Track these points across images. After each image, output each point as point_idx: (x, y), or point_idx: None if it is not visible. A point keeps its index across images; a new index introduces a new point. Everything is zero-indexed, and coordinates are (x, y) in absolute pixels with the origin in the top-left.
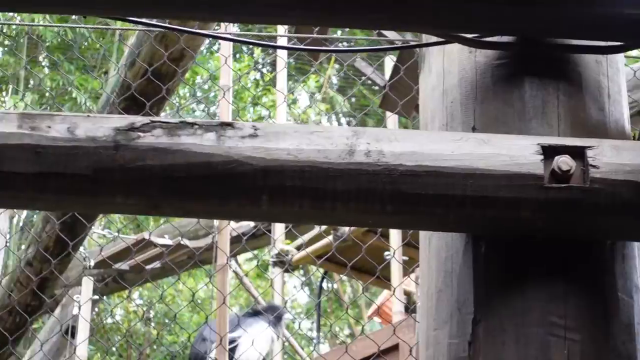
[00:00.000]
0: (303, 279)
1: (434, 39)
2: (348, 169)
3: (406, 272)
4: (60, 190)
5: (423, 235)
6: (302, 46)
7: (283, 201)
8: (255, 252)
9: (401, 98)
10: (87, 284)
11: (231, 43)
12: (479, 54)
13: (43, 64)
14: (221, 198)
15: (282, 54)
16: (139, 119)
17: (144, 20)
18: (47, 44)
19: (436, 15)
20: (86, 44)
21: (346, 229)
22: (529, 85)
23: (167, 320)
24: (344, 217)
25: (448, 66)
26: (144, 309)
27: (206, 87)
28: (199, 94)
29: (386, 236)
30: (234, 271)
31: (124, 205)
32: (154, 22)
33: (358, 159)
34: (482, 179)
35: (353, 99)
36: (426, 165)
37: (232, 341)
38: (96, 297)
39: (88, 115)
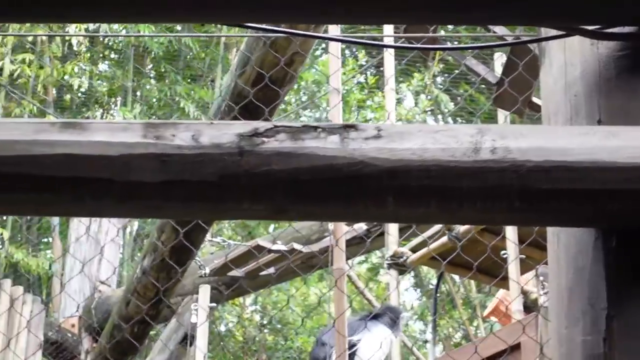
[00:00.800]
0: (412, 280)
1: (554, 32)
2: (474, 167)
3: (523, 270)
4: (187, 197)
5: (551, 232)
6: (413, 45)
7: (409, 202)
8: (365, 255)
9: (516, 95)
10: (204, 291)
11: (339, 46)
12: (601, 45)
13: (150, 75)
14: (346, 200)
15: (389, 56)
16: (262, 124)
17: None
18: (152, 55)
19: (556, 8)
20: (191, 54)
21: (461, 228)
22: None
23: (278, 327)
24: (470, 216)
25: (570, 59)
26: (259, 315)
27: (307, 92)
28: (304, 99)
29: (501, 234)
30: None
31: (250, 211)
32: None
33: (484, 156)
34: (611, 172)
35: (458, 98)
36: (554, 160)
37: (351, 345)
38: (213, 304)
39: (211, 122)
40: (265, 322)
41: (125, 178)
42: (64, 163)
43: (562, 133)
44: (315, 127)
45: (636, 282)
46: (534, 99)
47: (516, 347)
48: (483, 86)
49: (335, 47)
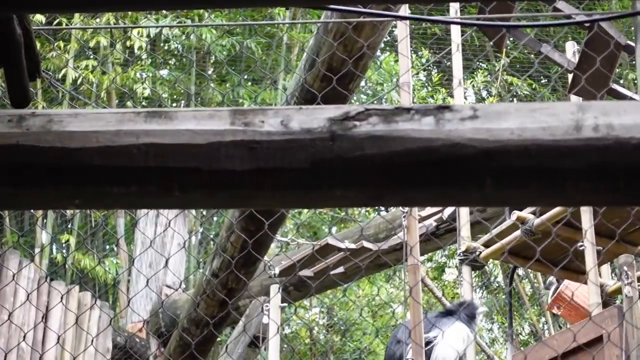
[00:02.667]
0: (476, 278)
1: None
2: (576, 145)
3: (599, 263)
4: (278, 185)
5: None
6: (481, 22)
7: (508, 183)
8: (428, 255)
9: (592, 81)
10: (275, 290)
11: (407, 38)
12: None
13: (213, 77)
14: (443, 184)
15: (457, 49)
16: (352, 108)
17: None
18: (214, 59)
19: None
20: (252, 56)
21: (535, 221)
22: None
23: (342, 327)
24: (573, 197)
25: None
26: (325, 317)
27: (370, 91)
28: (364, 99)
29: (576, 227)
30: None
31: (343, 198)
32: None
33: (586, 134)
34: None
35: (523, 92)
36: None
37: (427, 342)
38: (284, 304)
39: (300, 108)
40: (331, 323)
41: (214, 167)
42: (150, 153)
43: None
44: (408, 109)
45: None
46: (614, 86)
47: (598, 341)
48: (544, 81)
49: (405, 44)
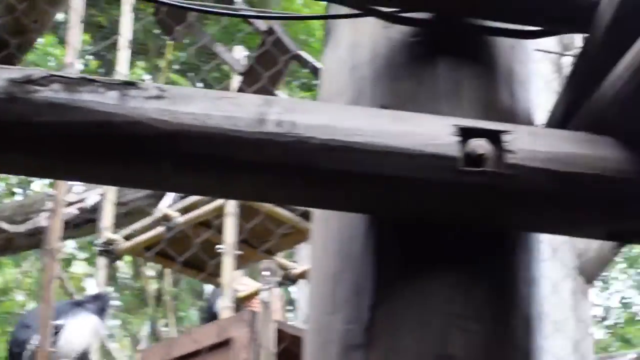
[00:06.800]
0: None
1: (345, 10)
2: (258, 138)
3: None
4: None
5: (319, 216)
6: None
7: (187, 170)
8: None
9: (261, 86)
10: None
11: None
12: (394, 29)
13: None
14: (121, 162)
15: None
16: (36, 72)
17: None
18: None
19: None
20: None
21: (180, 219)
22: (443, 65)
23: None
24: (249, 190)
25: (359, 40)
26: None
27: None
28: None
29: (218, 230)
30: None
31: (16, 163)
32: None
33: (269, 128)
34: (396, 158)
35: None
36: (340, 140)
37: (56, 329)
38: None
39: None
40: None
41: None
42: None
43: (350, 113)
44: (94, 80)
45: (404, 274)
46: (278, 93)
47: (224, 344)
48: (201, 84)
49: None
